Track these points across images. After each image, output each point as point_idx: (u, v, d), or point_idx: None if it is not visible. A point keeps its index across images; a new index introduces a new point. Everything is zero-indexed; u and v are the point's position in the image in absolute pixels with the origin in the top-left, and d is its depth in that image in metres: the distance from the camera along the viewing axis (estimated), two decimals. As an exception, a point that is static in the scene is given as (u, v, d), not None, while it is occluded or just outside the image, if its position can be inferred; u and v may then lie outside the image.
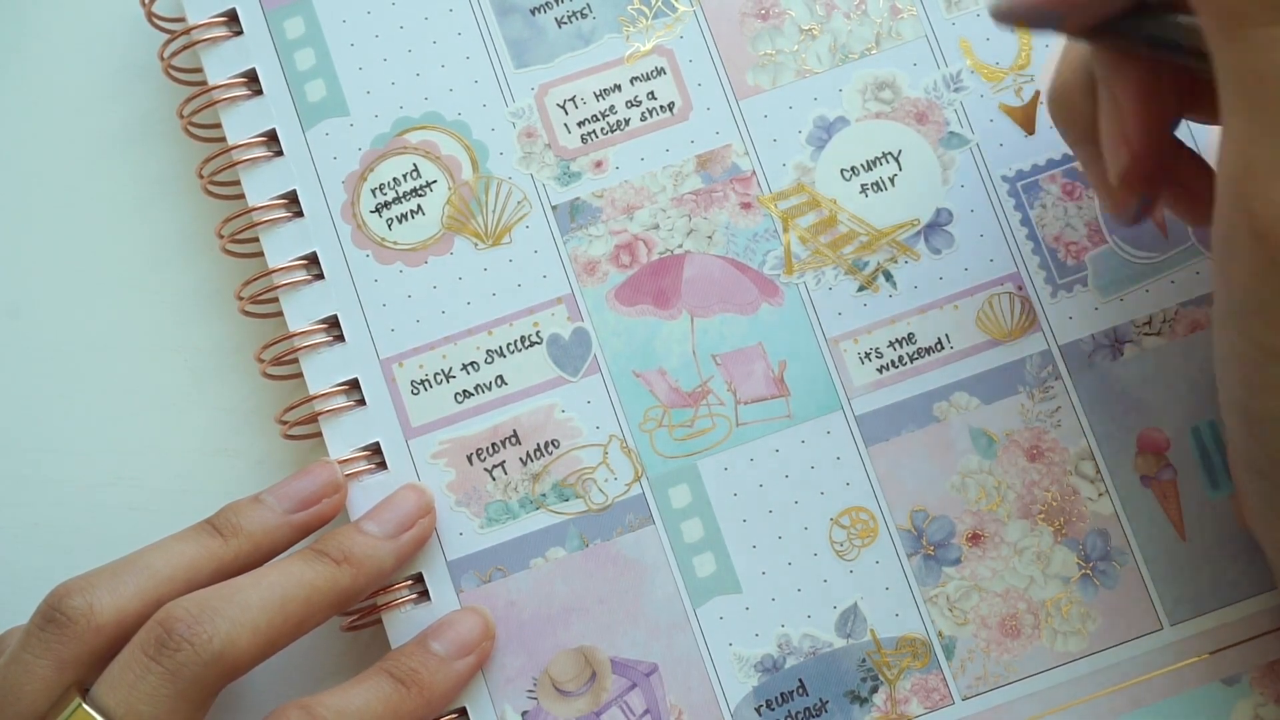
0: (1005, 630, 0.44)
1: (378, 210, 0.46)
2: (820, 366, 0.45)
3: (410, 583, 0.45)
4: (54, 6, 0.50)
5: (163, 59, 0.47)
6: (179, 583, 0.41)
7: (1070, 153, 0.46)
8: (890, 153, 0.46)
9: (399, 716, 0.41)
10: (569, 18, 0.47)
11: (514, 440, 0.45)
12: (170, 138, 0.49)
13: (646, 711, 0.44)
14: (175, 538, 0.42)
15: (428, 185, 0.46)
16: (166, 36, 0.48)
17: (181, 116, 0.47)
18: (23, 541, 0.47)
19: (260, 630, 0.39)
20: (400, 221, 0.46)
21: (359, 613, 0.44)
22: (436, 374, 0.45)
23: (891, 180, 0.46)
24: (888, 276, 0.46)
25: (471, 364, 0.45)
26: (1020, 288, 0.45)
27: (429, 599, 0.44)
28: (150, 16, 0.48)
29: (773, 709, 0.44)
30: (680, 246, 0.46)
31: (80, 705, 0.38)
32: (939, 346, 0.45)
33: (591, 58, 0.47)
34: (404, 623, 0.44)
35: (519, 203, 0.46)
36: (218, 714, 0.42)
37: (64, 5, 0.50)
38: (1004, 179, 0.46)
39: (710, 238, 0.46)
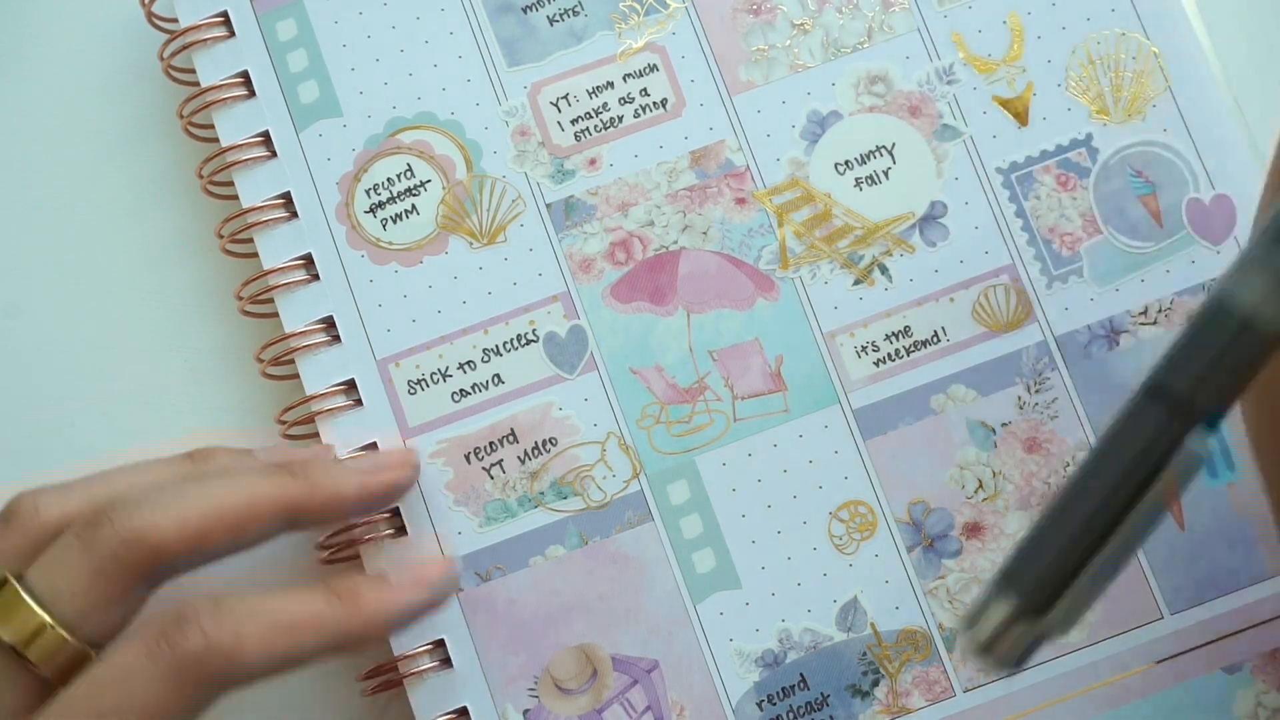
0: (1005, 622, 0.44)
1: (372, 210, 0.46)
2: (817, 361, 0.45)
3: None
4: (53, 6, 0.50)
5: (162, 59, 0.47)
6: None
7: (1064, 143, 0.46)
8: (884, 146, 0.46)
9: (323, 625, 0.39)
10: (561, 15, 0.47)
11: (512, 439, 0.45)
12: (169, 138, 0.49)
13: (648, 708, 0.44)
14: (148, 463, 0.42)
15: (422, 185, 0.46)
16: (166, 37, 0.48)
17: (182, 116, 0.47)
18: (25, 544, 0.47)
19: (189, 522, 0.39)
20: (395, 221, 0.46)
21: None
22: (433, 373, 0.45)
23: (885, 174, 0.46)
24: (883, 270, 0.46)
25: (468, 363, 0.46)
26: (1015, 279, 0.45)
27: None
28: (150, 17, 0.48)
29: (774, 704, 0.44)
30: (675, 243, 0.46)
31: (8, 581, 0.38)
32: (935, 339, 0.45)
33: (584, 55, 0.47)
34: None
35: (513, 201, 0.46)
36: (219, 714, 0.42)
37: (63, 5, 0.50)
38: (998, 171, 0.46)
39: (705, 234, 0.46)
